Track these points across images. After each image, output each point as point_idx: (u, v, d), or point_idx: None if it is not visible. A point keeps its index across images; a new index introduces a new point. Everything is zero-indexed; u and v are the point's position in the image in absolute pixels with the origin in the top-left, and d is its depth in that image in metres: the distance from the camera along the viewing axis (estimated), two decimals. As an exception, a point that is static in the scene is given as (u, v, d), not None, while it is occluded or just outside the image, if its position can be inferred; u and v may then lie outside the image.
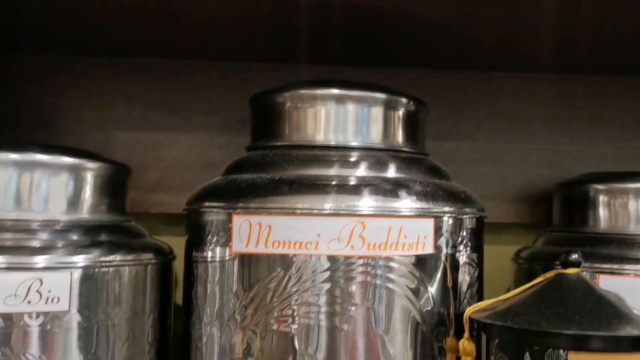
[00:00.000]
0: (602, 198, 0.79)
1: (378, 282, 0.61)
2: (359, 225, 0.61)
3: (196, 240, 0.68)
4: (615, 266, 0.72)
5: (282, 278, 0.61)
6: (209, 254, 0.66)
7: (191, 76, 0.91)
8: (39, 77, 0.90)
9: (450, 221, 0.65)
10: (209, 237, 0.66)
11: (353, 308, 0.60)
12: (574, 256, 0.63)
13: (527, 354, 0.58)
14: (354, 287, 0.61)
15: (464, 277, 0.67)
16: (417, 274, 0.62)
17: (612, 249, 0.75)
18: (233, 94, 0.90)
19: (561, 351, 0.57)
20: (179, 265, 0.73)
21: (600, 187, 0.79)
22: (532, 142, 0.94)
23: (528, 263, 0.82)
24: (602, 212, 0.79)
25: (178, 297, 0.72)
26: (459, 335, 0.65)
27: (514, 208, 0.94)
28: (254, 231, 0.62)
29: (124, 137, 0.90)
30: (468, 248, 0.67)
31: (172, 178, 0.90)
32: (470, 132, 0.94)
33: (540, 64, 0.92)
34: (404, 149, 0.70)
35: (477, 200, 0.70)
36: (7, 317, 0.57)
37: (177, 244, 0.73)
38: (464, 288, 0.67)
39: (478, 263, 0.69)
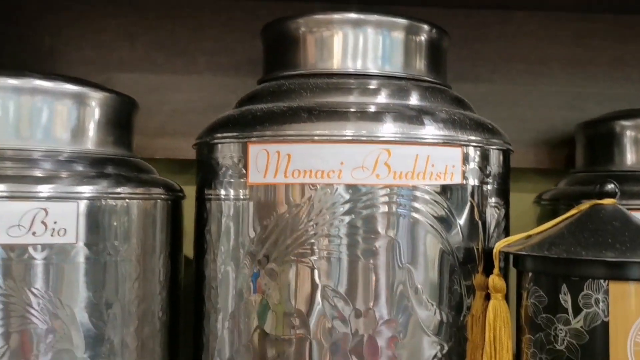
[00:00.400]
0: (629, 134, 0.76)
1: (404, 212, 0.57)
2: (384, 152, 0.57)
3: (208, 176, 0.64)
4: (647, 202, 0.69)
5: (303, 209, 0.57)
6: (223, 189, 0.62)
7: (197, 14, 0.86)
8: (37, 17, 0.86)
9: (478, 152, 0.61)
10: (223, 170, 0.62)
11: (378, 240, 0.57)
12: (610, 186, 0.59)
13: (563, 286, 0.55)
14: (379, 218, 0.57)
15: (492, 213, 0.63)
16: (445, 205, 0.59)
17: (642, 185, 0.71)
18: (241, 33, 0.86)
19: (602, 281, 0.53)
20: (188, 210, 0.69)
21: (627, 123, 0.76)
22: (551, 84, 0.91)
23: (552, 204, 0.78)
24: (630, 148, 0.76)
25: (187, 246, 0.69)
26: (487, 271, 0.61)
27: (533, 152, 0.90)
28: (272, 161, 0.58)
29: (126, 79, 0.86)
30: (496, 182, 0.64)
31: (178, 122, 0.86)
32: (487, 74, 0.90)
33: (560, 3, 0.88)
34: (426, 78, 0.66)
35: (504, 133, 0.66)
36: (11, 249, 0.53)
37: (185, 190, 0.70)
38: (492, 225, 0.63)
39: (505, 199, 0.66)
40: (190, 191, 0.69)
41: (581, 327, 0.54)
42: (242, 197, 0.60)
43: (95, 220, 0.56)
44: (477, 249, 0.61)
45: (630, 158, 0.75)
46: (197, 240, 0.66)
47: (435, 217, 0.58)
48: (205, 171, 0.65)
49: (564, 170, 0.88)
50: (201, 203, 0.66)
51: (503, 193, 0.66)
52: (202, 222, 0.65)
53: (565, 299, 0.54)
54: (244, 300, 0.59)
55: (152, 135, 0.86)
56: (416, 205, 0.58)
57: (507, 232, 0.67)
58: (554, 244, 0.56)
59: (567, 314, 0.54)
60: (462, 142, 0.60)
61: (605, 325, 0.53)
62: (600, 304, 0.53)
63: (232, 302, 0.60)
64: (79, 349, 0.55)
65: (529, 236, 0.61)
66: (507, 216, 0.67)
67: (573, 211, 0.60)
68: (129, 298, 0.59)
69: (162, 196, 0.63)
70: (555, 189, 0.82)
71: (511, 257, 0.64)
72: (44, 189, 0.54)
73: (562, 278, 0.55)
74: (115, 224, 0.58)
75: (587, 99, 0.90)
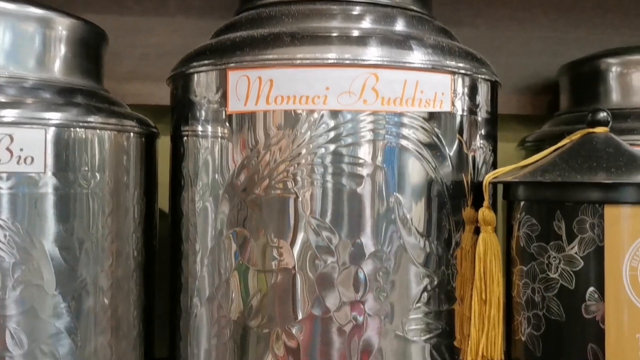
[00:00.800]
0: (615, 71, 0.74)
1: (392, 139, 0.55)
2: (372, 77, 0.54)
3: (184, 111, 0.60)
4: (636, 137, 0.67)
5: (286, 137, 0.54)
6: (200, 122, 0.59)
7: (167, -49, 0.82)
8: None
9: (467, 80, 0.59)
10: (200, 102, 0.59)
11: (365, 168, 0.54)
12: (603, 114, 0.58)
13: (557, 213, 0.53)
14: (366, 146, 0.54)
15: (481, 146, 0.61)
16: (434, 133, 0.56)
17: (630, 122, 0.70)
18: (214, -28, 0.82)
19: (597, 205, 0.52)
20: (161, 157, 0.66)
21: (613, 60, 0.75)
22: (534, 29, 0.89)
23: (536, 145, 0.77)
24: (616, 86, 0.74)
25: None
26: (477, 205, 0.59)
27: (516, 99, 0.88)
28: (253, 87, 0.55)
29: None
30: (485, 115, 0.61)
31: (149, 66, 0.82)
32: (470, 19, 0.88)
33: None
34: (411, 7, 0.63)
35: (491, 65, 0.64)
36: (-28, 176, 0.49)
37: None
38: (481, 159, 0.61)
39: (493, 135, 0.64)
40: (164, 139, 0.66)
41: (575, 253, 0.52)
42: (221, 128, 0.57)
43: (65, 150, 0.53)
44: (466, 182, 0.59)
45: (616, 96, 0.74)
46: (173, 179, 0.63)
47: (424, 145, 0.56)
48: (181, 107, 0.61)
49: (547, 117, 0.86)
50: (177, 140, 0.62)
51: (491, 127, 0.63)
52: (179, 158, 0.61)
53: (559, 225, 0.53)
54: (224, 235, 0.57)
55: (122, 80, 0.82)
56: (405, 132, 0.55)
57: (495, 169, 0.65)
58: (547, 171, 0.54)
59: (561, 240, 0.53)
60: (451, 69, 0.57)
61: (600, 251, 0.51)
62: (595, 229, 0.51)
63: (212, 238, 0.57)
64: (50, 285, 0.52)
65: (519, 167, 0.59)
66: (494, 152, 0.65)
67: (564, 141, 0.58)
68: (101, 234, 0.55)
69: (135, 129, 0.59)
70: (540, 131, 0.80)
71: (501, 190, 0.62)
72: (8, 114, 0.50)
73: (555, 204, 0.53)
74: (86, 155, 0.54)
75: (570, 45, 0.89)
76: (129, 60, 0.83)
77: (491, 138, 0.63)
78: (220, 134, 0.57)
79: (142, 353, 0.60)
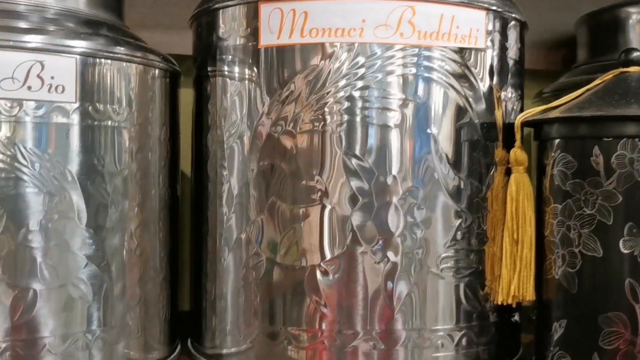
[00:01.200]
0: (635, 19, 0.74)
1: (429, 75, 0.54)
2: (409, 10, 0.53)
3: (210, 49, 0.59)
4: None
5: (320, 71, 0.53)
6: (228, 59, 0.57)
7: None
8: None
9: (500, 20, 0.58)
10: (228, 38, 0.57)
11: (402, 104, 0.53)
12: (636, 53, 0.57)
13: (595, 148, 0.53)
14: (402, 80, 0.54)
15: (511, 88, 0.61)
16: (468, 69, 0.56)
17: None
18: None
19: (636, 140, 0.51)
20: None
21: (633, 9, 0.74)
22: (547, -17, 0.88)
23: (556, 95, 0.76)
24: (636, 35, 0.74)
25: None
26: (508, 147, 0.59)
27: (529, 53, 0.87)
28: (286, 20, 0.54)
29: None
30: (515, 56, 0.61)
31: (160, 13, 0.80)
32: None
33: None
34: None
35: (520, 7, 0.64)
36: (4, 104, 0.47)
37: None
38: (511, 101, 0.61)
39: (521, 79, 0.63)
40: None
41: (614, 188, 0.52)
42: (250, 64, 0.56)
43: (94, 81, 0.51)
44: (498, 124, 0.59)
45: (636, 45, 0.73)
46: (197, 121, 0.62)
47: (459, 81, 0.55)
48: (206, 46, 0.60)
49: (561, 72, 0.86)
50: (202, 81, 0.61)
51: (519, 72, 0.63)
52: (204, 99, 0.60)
53: (597, 161, 0.52)
54: (255, 173, 0.55)
55: (132, 28, 0.79)
56: (438, 66, 0.54)
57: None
58: (583, 108, 0.54)
59: (599, 176, 0.52)
60: (486, 5, 0.57)
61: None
62: (635, 164, 0.51)
63: (242, 177, 0.56)
64: (81, 218, 0.50)
65: (550, 108, 0.58)
66: (522, 99, 0.64)
67: (597, 82, 0.58)
68: (130, 170, 0.54)
69: (161, 65, 0.57)
70: (558, 82, 0.80)
71: (532, 132, 0.61)
72: (33, 39, 0.49)
73: (593, 140, 0.53)
74: (114, 88, 0.53)
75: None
76: (137, 8, 0.80)
77: (519, 85, 0.63)
78: (249, 71, 0.56)
79: (168, 296, 0.59)
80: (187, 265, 0.67)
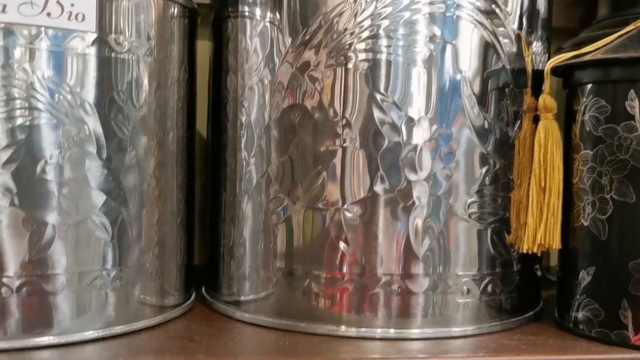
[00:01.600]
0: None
1: (461, 14, 0.52)
2: (441, -56, 0.51)
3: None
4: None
5: (349, 7, 0.51)
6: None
7: None
8: None
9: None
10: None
11: (434, 44, 0.52)
12: (671, -2, 0.56)
13: (631, 92, 0.51)
14: (432, 19, 0.52)
15: (539, 39, 0.59)
16: (501, 15, 0.54)
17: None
18: None
19: (674, 82, 0.50)
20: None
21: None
22: (568, -61, 0.86)
23: (577, 49, 0.74)
24: (664, -11, 0.72)
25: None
26: (537, 94, 0.57)
27: (548, 10, 0.86)
28: (313, -47, 0.52)
29: None
30: (544, 7, 0.59)
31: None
32: None
33: None
34: None
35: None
36: (22, 30, 0.45)
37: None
38: (539, 51, 0.59)
39: (547, 34, 0.61)
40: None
41: (649, 133, 0.50)
42: (273, 2, 0.54)
43: (114, 11, 0.49)
44: (527, 70, 0.57)
45: (660, 0, 0.72)
46: (216, 62, 0.60)
47: (489, 18, 0.53)
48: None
49: (579, 29, 0.84)
50: (222, 22, 0.59)
51: (548, 24, 0.61)
52: (224, 40, 0.58)
53: (633, 105, 0.51)
54: (280, 113, 0.54)
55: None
56: (471, 4, 0.52)
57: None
58: (618, 52, 0.52)
59: (634, 120, 0.51)
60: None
61: (676, 129, 0.50)
62: (672, 107, 0.50)
63: (266, 118, 0.54)
64: (101, 153, 0.49)
65: (581, 54, 0.57)
66: (549, 52, 0.63)
67: (629, 27, 0.56)
68: (150, 107, 0.52)
69: (181, 1, 0.55)
70: (578, 37, 0.78)
71: (558, 83, 0.60)
72: (57, -36, 0.46)
73: (628, 83, 0.51)
74: (134, 19, 0.51)
75: (604, -43, 0.86)
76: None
77: (546, 38, 0.61)
78: (274, 7, 0.54)
79: (184, 240, 0.58)
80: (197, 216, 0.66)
